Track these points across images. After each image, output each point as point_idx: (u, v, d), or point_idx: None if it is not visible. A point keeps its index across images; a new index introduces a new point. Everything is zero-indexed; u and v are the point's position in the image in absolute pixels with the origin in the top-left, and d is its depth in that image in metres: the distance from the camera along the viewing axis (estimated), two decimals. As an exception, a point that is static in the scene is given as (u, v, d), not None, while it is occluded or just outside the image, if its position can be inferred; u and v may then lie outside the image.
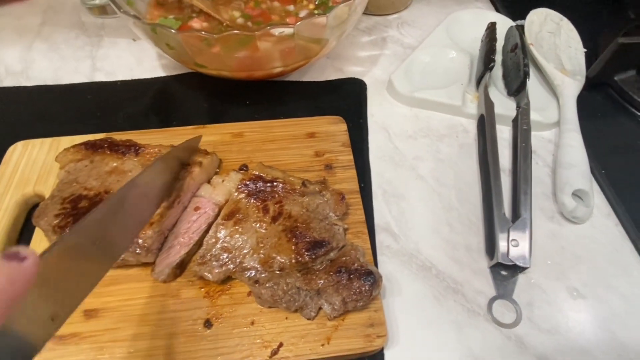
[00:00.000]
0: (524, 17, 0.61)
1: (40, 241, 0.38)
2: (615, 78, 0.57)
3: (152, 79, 0.58)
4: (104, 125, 0.51)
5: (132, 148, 0.42)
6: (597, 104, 0.56)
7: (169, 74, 0.58)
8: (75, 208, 0.37)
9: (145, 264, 0.37)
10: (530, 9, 0.61)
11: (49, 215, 0.37)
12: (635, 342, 0.37)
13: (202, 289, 0.36)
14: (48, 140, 0.45)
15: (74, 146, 0.42)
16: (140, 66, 0.60)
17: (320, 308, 0.34)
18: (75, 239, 0.27)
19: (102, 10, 0.66)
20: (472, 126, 0.53)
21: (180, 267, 0.36)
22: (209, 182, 0.41)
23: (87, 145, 0.42)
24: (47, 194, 0.40)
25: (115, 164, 0.41)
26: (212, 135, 0.47)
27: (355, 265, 0.34)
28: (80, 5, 0.68)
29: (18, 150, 0.44)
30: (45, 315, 0.25)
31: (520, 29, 0.57)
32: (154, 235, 0.36)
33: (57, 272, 0.26)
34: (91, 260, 0.28)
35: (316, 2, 0.57)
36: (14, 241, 0.40)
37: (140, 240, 0.35)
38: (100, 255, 0.28)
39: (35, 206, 0.42)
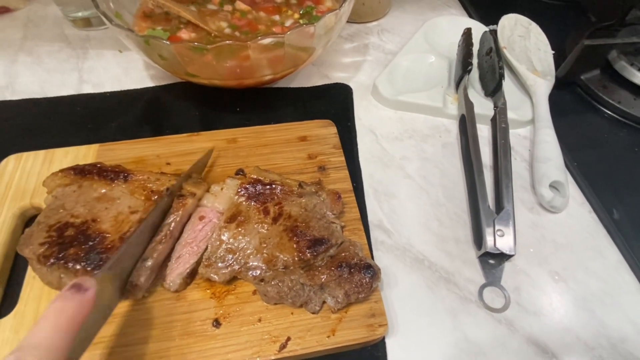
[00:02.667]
0: (495, 22, 0.65)
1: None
2: (582, 77, 0.61)
3: (141, 89, 0.58)
4: (96, 136, 0.51)
5: (121, 174, 0.41)
6: (566, 101, 0.60)
7: (157, 84, 0.59)
8: (61, 236, 0.36)
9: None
10: (501, 15, 0.65)
11: (34, 244, 0.36)
12: (612, 318, 0.40)
13: (208, 291, 0.37)
14: (42, 152, 0.45)
15: (62, 170, 0.41)
16: (128, 77, 0.60)
17: (324, 302, 0.36)
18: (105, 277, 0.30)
19: (86, 23, 0.67)
20: (453, 126, 0.56)
21: (191, 276, 0.37)
22: (208, 190, 0.42)
23: (76, 170, 0.41)
24: (44, 206, 0.40)
25: (103, 190, 0.40)
26: (206, 142, 0.48)
27: (355, 259, 0.36)
28: (62, 18, 0.68)
29: (11, 163, 0.44)
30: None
31: (494, 33, 0.61)
32: (147, 273, 0.35)
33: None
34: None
35: (300, 12, 0.59)
36: (11, 254, 0.40)
37: (132, 279, 0.34)
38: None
39: (32, 218, 0.42)
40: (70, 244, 0.36)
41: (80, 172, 0.41)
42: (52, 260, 0.35)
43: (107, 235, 0.36)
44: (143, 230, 0.35)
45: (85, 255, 0.35)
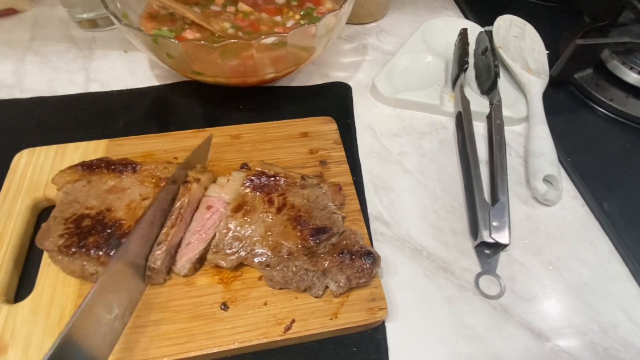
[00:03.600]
0: (490, 23, 0.66)
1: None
2: (575, 76, 0.63)
3: (146, 88, 0.60)
4: (104, 132, 0.53)
5: (129, 166, 0.42)
6: (560, 99, 0.62)
7: (162, 83, 0.61)
8: (79, 227, 0.38)
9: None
10: (497, 16, 0.67)
11: (54, 236, 0.37)
12: (603, 305, 0.42)
13: (216, 277, 0.38)
14: (53, 147, 0.47)
15: (70, 167, 0.43)
16: (133, 76, 0.62)
17: (326, 287, 0.37)
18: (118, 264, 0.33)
19: (92, 24, 0.68)
20: (450, 123, 0.58)
21: (200, 261, 0.39)
22: (215, 182, 0.44)
23: (84, 165, 0.42)
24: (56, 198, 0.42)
25: (113, 183, 0.41)
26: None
27: (356, 247, 0.38)
28: (68, 20, 0.70)
29: (24, 157, 0.46)
30: (105, 328, 0.30)
31: (489, 33, 0.63)
32: (163, 256, 0.37)
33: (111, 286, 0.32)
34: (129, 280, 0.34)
35: (301, 13, 0.61)
36: (26, 243, 0.42)
37: (150, 264, 0.36)
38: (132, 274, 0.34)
39: (45, 209, 0.44)
40: (89, 232, 0.37)
41: (89, 167, 0.42)
42: (73, 250, 0.36)
43: (123, 221, 0.38)
44: (150, 216, 0.36)
45: (106, 242, 0.37)
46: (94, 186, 0.41)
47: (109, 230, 0.38)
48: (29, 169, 0.45)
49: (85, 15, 0.68)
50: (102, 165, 0.42)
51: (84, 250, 0.36)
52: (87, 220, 0.38)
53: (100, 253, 0.36)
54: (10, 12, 0.71)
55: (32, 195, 0.43)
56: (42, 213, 0.44)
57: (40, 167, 0.45)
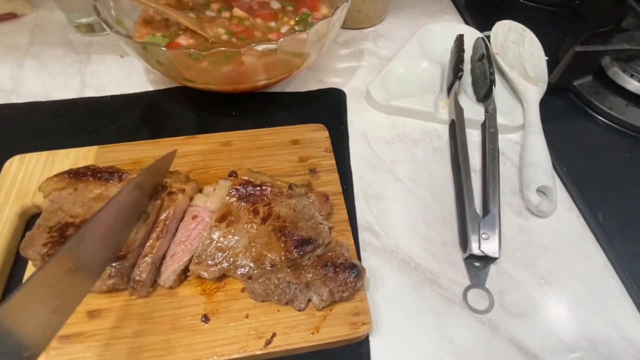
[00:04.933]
0: (490, 28, 0.66)
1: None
2: (575, 83, 0.62)
3: (141, 93, 0.60)
4: (96, 138, 0.53)
5: (116, 174, 0.42)
6: (558, 107, 0.61)
7: (157, 88, 0.61)
8: (63, 236, 0.38)
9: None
10: (496, 21, 0.66)
11: (37, 245, 0.37)
12: (596, 321, 0.41)
13: (199, 287, 0.38)
14: (44, 153, 0.47)
15: (56, 175, 0.42)
16: (128, 81, 0.62)
17: (309, 300, 0.37)
18: (58, 261, 0.30)
19: (89, 28, 0.69)
20: (444, 131, 0.57)
21: (185, 273, 0.39)
22: (201, 191, 0.43)
23: (70, 173, 0.42)
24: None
25: (99, 191, 0.41)
26: (201, 144, 0.50)
27: (341, 259, 0.37)
28: (67, 24, 0.70)
29: (15, 164, 0.46)
30: (44, 315, 0.28)
31: (487, 39, 0.62)
32: (148, 268, 0.36)
33: (53, 280, 0.29)
34: (76, 278, 0.31)
35: (296, 19, 0.61)
36: (13, 251, 0.42)
37: (134, 276, 0.36)
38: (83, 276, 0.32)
39: (34, 216, 0.44)
40: None
41: (75, 175, 0.42)
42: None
43: None
44: (108, 214, 0.34)
45: None
46: (80, 194, 0.41)
47: None
48: (19, 175, 0.45)
49: (83, 20, 0.68)
50: (89, 173, 0.42)
51: None
52: (71, 228, 0.38)
53: None
54: (10, 16, 0.72)
55: (21, 202, 0.43)
56: (30, 220, 0.44)
57: (31, 174, 0.45)
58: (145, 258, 0.37)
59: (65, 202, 0.40)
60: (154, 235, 0.38)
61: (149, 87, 0.61)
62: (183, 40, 0.57)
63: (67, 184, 0.41)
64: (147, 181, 0.40)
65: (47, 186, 0.41)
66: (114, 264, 0.36)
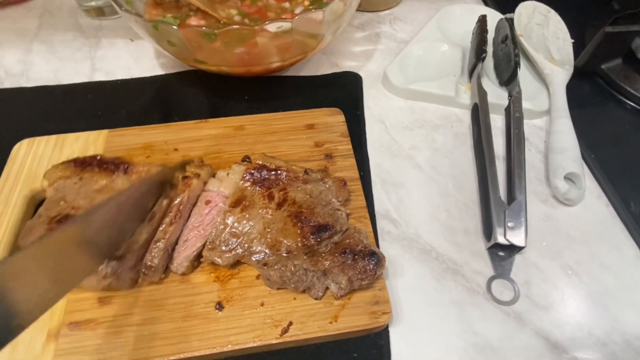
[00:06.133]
0: (512, 11, 0.63)
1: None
2: (603, 67, 0.59)
3: (151, 77, 0.59)
4: (106, 122, 0.51)
5: (121, 166, 0.41)
6: (585, 92, 0.58)
7: (167, 72, 0.59)
8: None
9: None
10: (517, 3, 0.63)
11: (35, 236, 0.36)
12: (628, 314, 0.39)
13: (212, 274, 0.37)
14: (53, 137, 0.46)
15: (62, 163, 0.42)
16: (138, 65, 0.61)
17: (327, 288, 0.35)
18: (64, 233, 0.29)
19: (99, 12, 0.67)
20: (465, 116, 0.55)
21: (198, 259, 0.37)
22: (214, 176, 0.42)
23: (77, 162, 0.41)
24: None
25: (104, 182, 0.40)
26: (213, 129, 0.48)
27: (359, 246, 0.36)
28: (76, 8, 0.69)
29: (24, 147, 0.45)
30: (41, 285, 0.27)
31: (510, 21, 0.59)
32: (160, 254, 0.36)
33: (57, 250, 0.27)
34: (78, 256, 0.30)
35: (311, -1, 0.58)
36: (22, 235, 0.41)
37: (146, 261, 0.35)
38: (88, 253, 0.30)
39: (43, 201, 0.43)
40: None
41: (81, 164, 0.41)
42: None
43: None
44: (120, 202, 0.34)
45: None
46: (84, 184, 0.40)
47: None
48: (27, 159, 0.44)
49: (93, 3, 0.67)
50: (95, 163, 0.41)
51: None
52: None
53: None
54: (19, 0, 0.71)
55: (30, 186, 0.42)
56: (40, 204, 0.43)
57: (40, 158, 0.44)
58: (158, 243, 0.35)
59: (69, 192, 0.39)
60: (167, 220, 0.37)
61: (160, 71, 0.60)
62: (194, 21, 0.55)
63: (72, 172, 0.40)
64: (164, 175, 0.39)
65: (53, 174, 0.40)
66: (111, 264, 0.34)
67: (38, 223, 0.37)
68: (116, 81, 0.58)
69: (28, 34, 0.65)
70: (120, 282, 0.35)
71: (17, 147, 0.45)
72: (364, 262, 0.35)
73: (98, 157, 0.42)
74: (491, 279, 0.41)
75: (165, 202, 0.38)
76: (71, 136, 0.46)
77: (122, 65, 0.61)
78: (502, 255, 0.42)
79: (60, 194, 0.39)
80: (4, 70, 0.59)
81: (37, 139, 0.46)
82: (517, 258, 0.42)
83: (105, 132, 0.47)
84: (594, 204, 0.47)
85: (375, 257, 0.35)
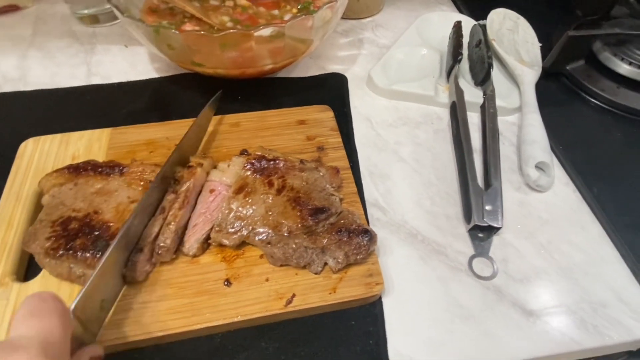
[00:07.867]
0: (484, 17, 0.68)
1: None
2: (568, 67, 0.64)
3: (147, 80, 0.61)
4: (107, 122, 0.53)
5: (116, 168, 0.42)
6: (552, 91, 0.63)
7: (162, 76, 0.62)
8: (66, 230, 0.38)
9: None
10: (490, 11, 0.69)
11: (40, 239, 0.37)
12: (594, 286, 0.43)
13: (219, 255, 0.39)
14: (58, 135, 0.48)
15: (56, 170, 0.43)
16: (134, 70, 0.63)
17: (325, 263, 0.39)
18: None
19: (93, 20, 0.70)
20: (444, 114, 0.59)
21: (206, 241, 0.40)
22: (215, 167, 0.45)
23: (70, 168, 0.42)
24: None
25: (100, 185, 0.41)
26: (211, 126, 0.51)
27: (354, 226, 0.39)
28: (69, 15, 0.71)
29: (30, 146, 0.47)
30: (97, 304, 0.33)
31: (483, 27, 0.64)
32: (172, 235, 0.38)
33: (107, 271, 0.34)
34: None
35: (298, 7, 0.62)
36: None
37: (159, 242, 0.38)
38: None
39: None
40: (76, 235, 0.37)
41: (75, 170, 0.42)
42: (61, 252, 0.36)
43: (111, 224, 0.38)
44: (138, 216, 0.37)
45: (93, 244, 0.37)
46: (80, 189, 0.41)
47: (96, 233, 0.38)
48: (35, 156, 0.46)
49: (86, 11, 0.69)
50: (89, 168, 0.42)
51: (71, 252, 0.36)
52: (74, 222, 0.38)
53: (88, 255, 0.36)
54: (12, 8, 0.72)
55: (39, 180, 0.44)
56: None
57: (47, 154, 0.46)
58: (169, 226, 0.38)
59: (67, 197, 0.40)
60: (176, 205, 0.39)
61: (155, 75, 0.62)
62: (189, 27, 0.58)
63: (66, 179, 0.41)
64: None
65: (47, 182, 0.41)
66: (130, 257, 0.37)
67: (40, 227, 0.38)
68: (113, 84, 0.60)
69: (23, 41, 0.67)
70: (137, 273, 0.37)
71: (23, 146, 0.47)
72: (359, 238, 0.38)
73: (92, 162, 0.43)
74: (472, 257, 0.45)
75: (171, 195, 0.41)
76: (76, 134, 0.49)
77: (118, 70, 0.63)
78: (481, 236, 0.46)
79: (57, 200, 0.40)
80: (2, 75, 0.61)
81: (43, 137, 0.48)
82: (495, 239, 0.46)
83: (108, 130, 0.49)
84: (562, 190, 0.52)
85: (368, 234, 0.38)
